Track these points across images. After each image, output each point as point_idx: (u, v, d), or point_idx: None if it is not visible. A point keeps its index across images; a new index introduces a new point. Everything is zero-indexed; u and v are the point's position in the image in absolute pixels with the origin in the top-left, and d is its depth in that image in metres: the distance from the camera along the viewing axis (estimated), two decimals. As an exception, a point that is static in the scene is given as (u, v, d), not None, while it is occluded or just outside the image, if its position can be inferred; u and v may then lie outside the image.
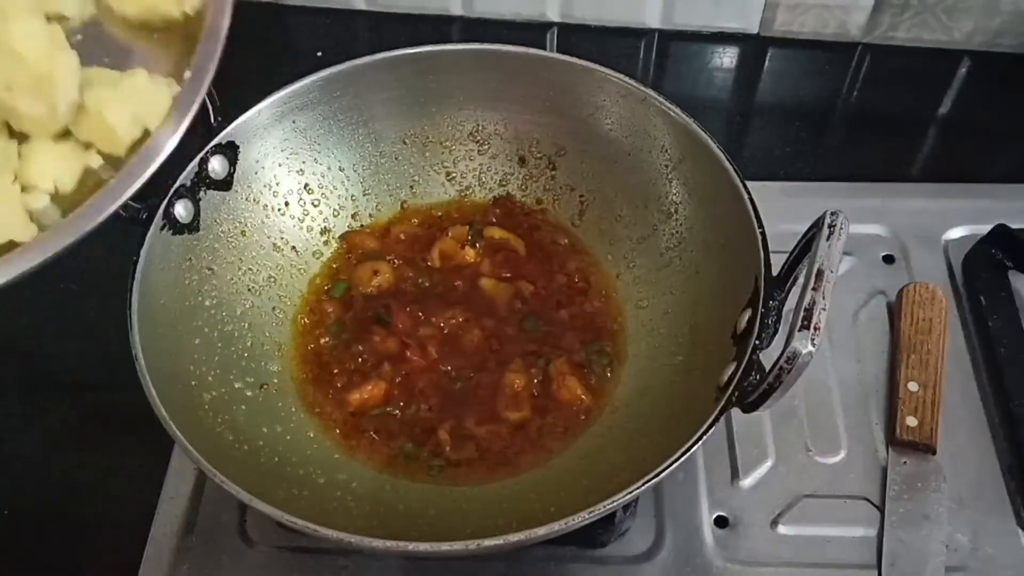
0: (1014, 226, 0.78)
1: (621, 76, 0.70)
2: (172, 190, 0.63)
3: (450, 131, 0.78)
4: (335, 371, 0.70)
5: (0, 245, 0.43)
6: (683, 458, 0.52)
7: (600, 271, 0.76)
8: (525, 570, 0.65)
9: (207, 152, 0.65)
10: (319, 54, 0.99)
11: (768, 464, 0.70)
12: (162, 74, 0.49)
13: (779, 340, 0.54)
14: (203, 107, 0.57)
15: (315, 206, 0.76)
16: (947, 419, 0.71)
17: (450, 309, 0.72)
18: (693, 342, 0.67)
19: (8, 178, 0.41)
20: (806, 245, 0.57)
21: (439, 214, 0.79)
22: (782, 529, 0.67)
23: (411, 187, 0.79)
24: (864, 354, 0.76)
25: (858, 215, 0.76)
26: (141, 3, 0.48)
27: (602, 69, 0.71)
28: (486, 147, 0.79)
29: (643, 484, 0.52)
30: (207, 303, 0.67)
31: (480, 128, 0.78)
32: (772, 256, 0.59)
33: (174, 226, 0.64)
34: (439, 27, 1.02)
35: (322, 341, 0.72)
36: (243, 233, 0.71)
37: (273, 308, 0.72)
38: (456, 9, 1.03)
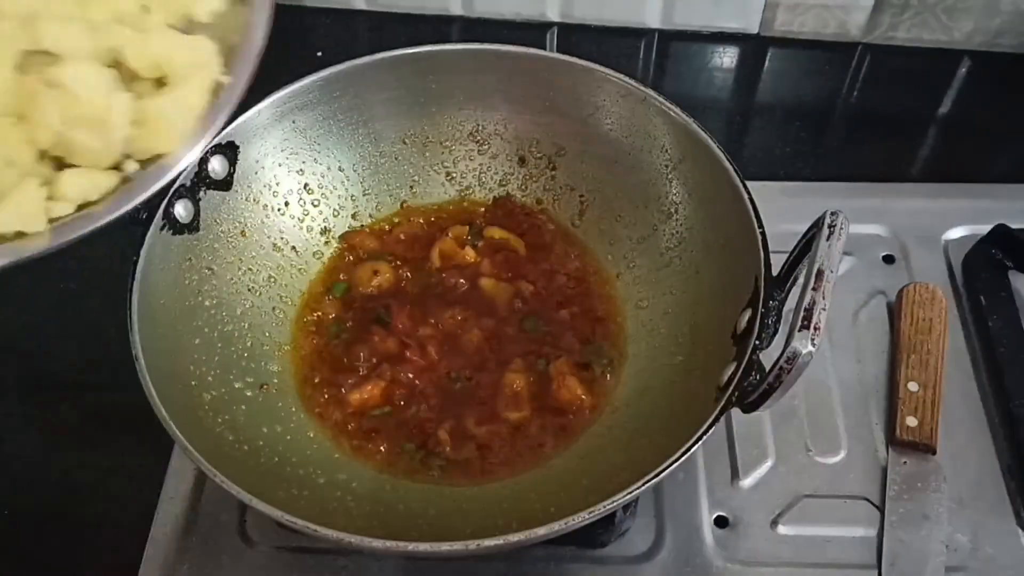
0: (1014, 226, 0.78)
1: (621, 76, 0.70)
2: (172, 190, 0.63)
3: (450, 131, 0.78)
4: (335, 371, 0.70)
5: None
6: (683, 458, 0.52)
7: (600, 271, 0.76)
8: (525, 570, 0.65)
9: (207, 152, 0.65)
10: (319, 54, 0.99)
11: (768, 464, 0.70)
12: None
13: (779, 340, 0.54)
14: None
15: (315, 206, 0.76)
16: (947, 419, 0.71)
17: (450, 309, 0.72)
18: (693, 342, 0.67)
19: (35, 182, 0.42)
20: (806, 245, 0.57)
21: (439, 214, 0.79)
22: (782, 529, 0.67)
23: (411, 187, 0.79)
24: (864, 354, 0.76)
25: (858, 215, 0.76)
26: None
27: (602, 69, 0.71)
28: (486, 147, 0.79)
29: (643, 484, 0.52)
30: (207, 303, 0.67)
31: (480, 128, 0.78)
32: (772, 256, 0.59)
33: (174, 226, 0.64)
34: (439, 27, 1.02)
35: (322, 341, 0.72)
36: (243, 233, 0.71)
37: (273, 308, 0.72)
38: (456, 9, 1.03)
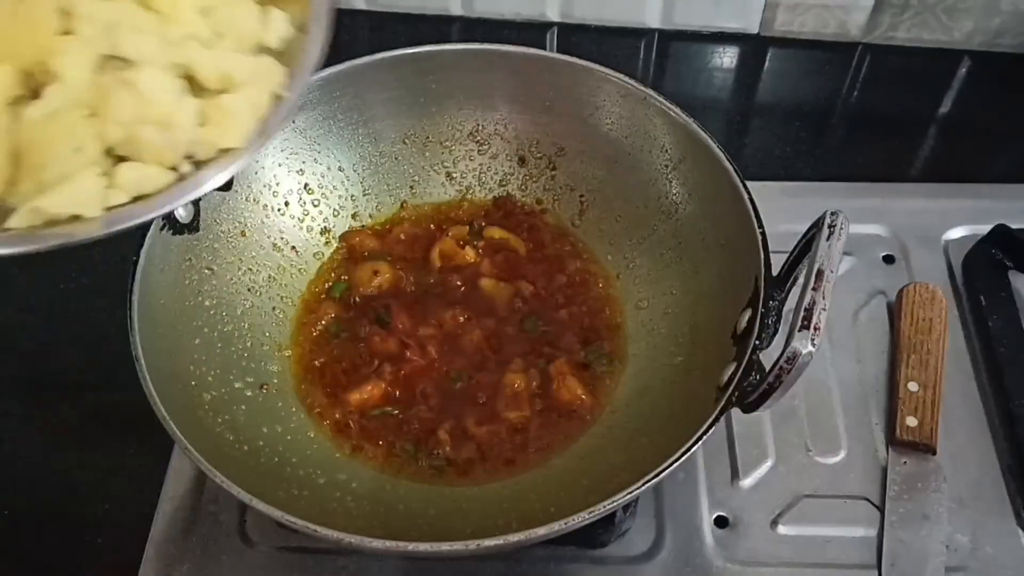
0: (1014, 226, 0.78)
1: (621, 76, 0.70)
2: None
3: (450, 131, 0.78)
4: (335, 371, 0.70)
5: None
6: (683, 458, 0.52)
7: (600, 271, 0.76)
8: (525, 570, 0.65)
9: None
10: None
11: (768, 464, 0.70)
12: None
13: (779, 340, 0.54)
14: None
15: (315, 206, 0.76)
16: (947, 419, 0.71)
17: (450, 309, 0.72)
18: (693, 342, 0.67)
19: (97, 169, 0.45)
20: (806, 245, 0.57)
21: (439, 214, 0.79)
22: (782, 529, 0.67)
23: (411, 187, 0.79)
24: (864, 354, 0.76)
25: (858, 215, 0.76)
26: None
27: (602, 69, 0.71)
28: (486, 147, 0.79)
29: (643, 484, 0.52)
30: (207, 303, 0.67)
31: (480, 128, 0.78)
32: (772, 256, 0.59)
33: (174, 226, 0.64)
34: (439, 27, 1.02)
35: (322, 341, 0.72)
36: (243, 233, 0.71)
37: (273, 308, 0.72)
38: (456, 9, 1.03)
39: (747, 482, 0.69)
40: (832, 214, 0.55)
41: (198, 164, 0.47)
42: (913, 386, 0.71)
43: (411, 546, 0.51)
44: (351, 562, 0.65)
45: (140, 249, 0.61)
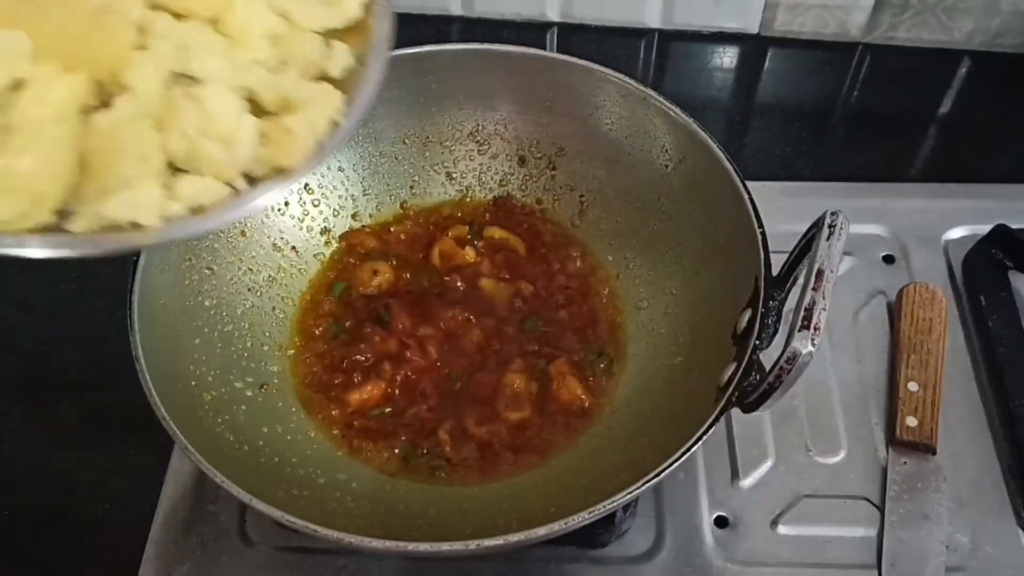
0: (1014, 226, 0.78)
1: (621, 76, 0.70)
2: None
3: (450, 131, 0.78)
4: (335, 371, 0.70)
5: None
6: (683, 458, 0.52)
7: (600, 271, 0.76)
8: (525, 570, 0.65)
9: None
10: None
11: (768, 464, 0.70)
12: None
13: (779, 340, 0.54)
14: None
15: (315, 206, 0.76)
16: (947, 419, 0.71)
17: (450, 309, 0.72)
18: (693, 342, 0.67)
19: (158, 179, 0.46)
20: (806, 245, 0.57)
21: (439, 214, 0.79)
22: (782, 529, 0.67)
23: (411, 187, 0.79)
24: (864, 354, 0.76)
25: (858, 215, 0.76)
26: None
27: (602, 69, 0.71)
28: (486, 147, 0.79)
29: (643, 484, 0.52)
30: (207, 303, 0.67)
31: (480, 128, 0.78)
32: (772, 256, 0.59)
33: (174, 226, 0.64)
34: (439, 27, 1.02)
35: (322, 341, 0.72)
36: (243, 233, 0.71)
37: (273, 308, 0.72)
38: (456, 9, 1.03)
39: (747, 482, 0.69)
40: (832, 214, 0.55)
41: (252, 181, 0.48)
42: (913, 386, 0.71)
43: (411, 546, 0.51)
44: (351, 562, 0.65)
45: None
